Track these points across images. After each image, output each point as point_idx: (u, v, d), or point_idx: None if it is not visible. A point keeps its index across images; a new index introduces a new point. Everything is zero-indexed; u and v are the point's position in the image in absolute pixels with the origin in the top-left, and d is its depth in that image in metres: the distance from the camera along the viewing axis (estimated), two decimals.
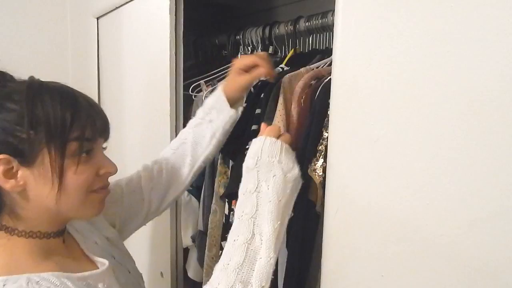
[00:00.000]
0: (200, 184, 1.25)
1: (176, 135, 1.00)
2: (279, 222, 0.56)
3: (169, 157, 0.83)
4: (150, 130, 1.12)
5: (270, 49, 1.21)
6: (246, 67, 0.79)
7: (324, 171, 0.70)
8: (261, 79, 0.88)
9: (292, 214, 0.58)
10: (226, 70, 1.24)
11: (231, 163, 1.08)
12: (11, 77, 0.57)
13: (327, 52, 1.02)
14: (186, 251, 1.31)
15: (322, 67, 0.93)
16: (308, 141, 0.76)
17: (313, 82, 0.84)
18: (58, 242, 0.60)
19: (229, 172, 1.09)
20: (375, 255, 0.54)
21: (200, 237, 1.23)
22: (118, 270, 0.65)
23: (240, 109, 0.83)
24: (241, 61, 0.80)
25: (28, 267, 0.53)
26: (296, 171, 0.60)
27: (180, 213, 1.11)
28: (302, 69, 0.90)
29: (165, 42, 0.97)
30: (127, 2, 1.23)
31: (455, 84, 0.43)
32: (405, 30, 0.48)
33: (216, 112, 0.81)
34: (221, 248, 1.09)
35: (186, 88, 1.24)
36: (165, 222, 1.07)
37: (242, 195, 0.60)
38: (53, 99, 0.54)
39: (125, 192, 0.78)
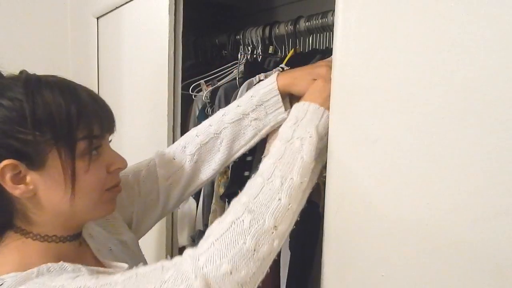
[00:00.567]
0: None
1: (173, 135, 1.00)
2: (306, 179, 0.53)
3: (193, 152, 0.72)
4: (149, 129, 1.12)
5: (270, 49, 1.21)
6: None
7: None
8: None
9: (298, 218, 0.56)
10: (225, 70, 1.24)
11: (231, 163, 1.08)
12: (1, 74, 0.53)
13: (327, 52, 1.02)
14: (182, 250, 1.30)
15: None
16: None
17: None
18: (73, 246, 0.57)
19: (229, 172, 1.09)
20: (375, 255, 0.54)
21: (199, 237, 1.23)
22: None
23: (289, 109, 0.69)
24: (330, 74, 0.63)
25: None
26: (326, 140, 0.59)
27: (176, 212, 1.11)
28: None
29: (164, 42, 0.97)
30: (127, 2, 1.23)
31: (456, 84, 0.43)
32: (405, 30, 0.48)
33: (264, 110, 0.69)
34: None
35: (186, 88, 1.24)
36: (161, 221, 1.07)
37: (273, 147, 0.57)
38: (55, 95, 0.50)
39: (142, 192, 0.72)
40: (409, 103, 0.48)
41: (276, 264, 0.84)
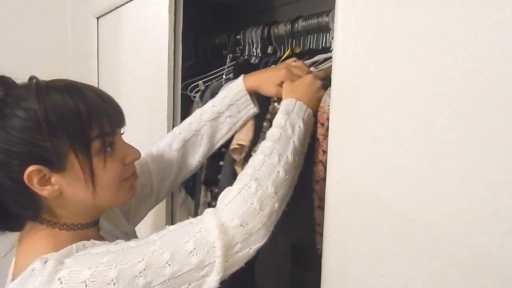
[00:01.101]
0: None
1: None
2: (297, 159, 0.65)
3: (179, 148, 0.83)
4: (148, 129, 1.12)
5: (270, 49, 1.21)
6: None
7: None
8: None
9: None
10: (225, 70, 1.24)
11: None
12: (13, 82, 0.57)
13: (325, 51, 1.02)
14: None
15: (318, 63, 0.93)
16: None
17: None
18: (95, 231, 0.64)
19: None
20: (375, 255, 0.54)
21: None
22: None
23: (257, 103, 0.84)
24: (293, 77, 0.78)
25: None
26: (308, 132, 0.71)
27: (176, 212, 1.11)
28: None
29: (164, 42, 0.97)
30: (127, 2, 1.22)
31: (456, 84, 0.43)
32: (405, 29, 0.48)
33: (236, 108, 0.82)
34: None
35: (186, 88, 1.24)
36: (161, 221, 1.07)
37: (269, 133, 0.67)
38: (65, 100, 0.54)
39: (137, 187, 0.78)
40: (409, 103, 0.48)
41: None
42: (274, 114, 0.82)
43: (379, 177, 0.52)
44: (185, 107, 1.08)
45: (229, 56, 1.18)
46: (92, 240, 0.57)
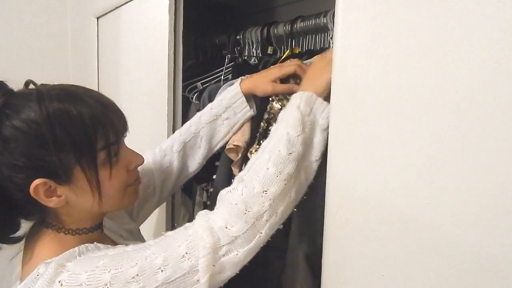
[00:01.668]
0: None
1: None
2: (293, 149, 0.61)
3: (179, 149, 0.85)
4: (149, 129, 1.12)
5: (269, 49, 1.21)
6: (285, 77, 0.81)
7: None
8: None
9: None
10: (225, 71, 1.24)
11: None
12: (11, 90, 0.55)
13: (322, 52, 1.02)
14: None
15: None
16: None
17: None
18: (99, 233, 0.65)
19: None
20: (375, 254, 0.54)
21: None
22: None
23: (254, 106, 0.86)
24: (283, 71, 0.80)
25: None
26: (312, 116, 0.67)
27: (176, 212, 1.11)
28: None
29: (164, 42, 0.97)
30: (127, 2, 1.23)
31: (456, 83, 0.43)
32: (405, 29, 0.48)
33: (233, 111, 0.84)
34: None
35: (184, 89, 1.24)
36: (161, 221, 1.07)
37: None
38: (69, 113, 0.53)
39: (141, 188, 0.78)
40: (409, 103, 0.48)
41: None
42: (272, 114, 0.83)
43: (379, 177, 0.52)
44: (185, 107, 1.07)
45: (228, 57, 1.18)
46: (95, 243, 0.57)
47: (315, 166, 0.65)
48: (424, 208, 0.47)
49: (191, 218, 1.30)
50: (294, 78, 0.81)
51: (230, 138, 0.88)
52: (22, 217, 0.60)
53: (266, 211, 0.57)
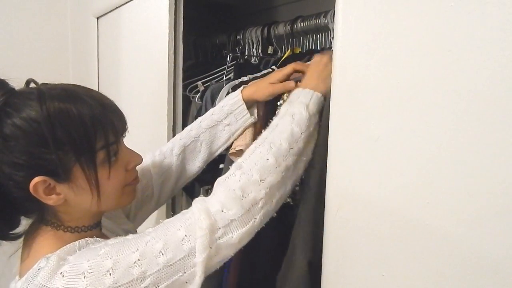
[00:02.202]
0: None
1: (173, 136, 1.00)
2: (295, 145, 0.63)
3: (179, 153, 0.85)
4: (149, 129, 1.12)
5: (270, 49, 1.21)
6: (285, 77, 0.81)
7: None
8: None
9: None
10: (223, 71, 1.24)
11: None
12: (13, 90, 0.55)
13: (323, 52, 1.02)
14: None
15: None
16: None
17: None
18: (97, 231, 0.65)
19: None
20: (375, 254, 0.54)
21: None
22: None
23: (255, 113, 0.87)
24: (283, 71, 0.81)
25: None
26: (318, 116, 0.69)
27: (177, 212, 1.11)
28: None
29: (164, 42, 0.97)
30: (127, 2, 1.22)
31: (456, 83, 0.43)
32: (405, 29, 0.48)
33: (234, 117, 0.85)
34: None
35: (185, 88, 1.24)
36: (163, 214, 1.07)
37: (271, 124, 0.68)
38: (69, 113, 0.54)
39: (139, 189, 0.79)
40: (409, 103, 0.48)
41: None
42: None
43: (379, 177, 0.52)
44: (185, 107, 1.07)
45: (229, 56, 1.18)
46: (95, 238, 0.58)
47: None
48: (424, 208, 0.47)
49: None
50: (294, 80, 0.82)
51: (232, 143, 0.88)
52: (21, 214, 0.60)
53: (262, 198, 0.59)
